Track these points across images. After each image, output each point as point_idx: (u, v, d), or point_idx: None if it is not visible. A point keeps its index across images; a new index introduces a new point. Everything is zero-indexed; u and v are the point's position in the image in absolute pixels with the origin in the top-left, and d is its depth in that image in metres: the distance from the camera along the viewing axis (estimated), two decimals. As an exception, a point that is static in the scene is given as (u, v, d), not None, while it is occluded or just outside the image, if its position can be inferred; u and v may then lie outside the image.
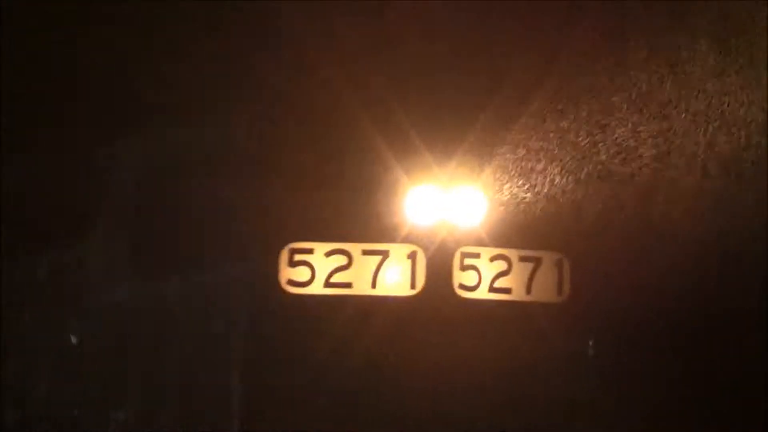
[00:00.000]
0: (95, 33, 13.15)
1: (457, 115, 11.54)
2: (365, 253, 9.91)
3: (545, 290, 10.16)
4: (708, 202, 12.89)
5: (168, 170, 10.78)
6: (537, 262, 10.18)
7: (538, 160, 11.40)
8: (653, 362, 11.47)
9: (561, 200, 11.35)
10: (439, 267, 10.09)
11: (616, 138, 12.40)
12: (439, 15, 12.39)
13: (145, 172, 11.40)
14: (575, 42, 12.18)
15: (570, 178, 11.50)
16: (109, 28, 13.16)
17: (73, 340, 11.00)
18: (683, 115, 12.63)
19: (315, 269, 9.77)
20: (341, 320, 10.04)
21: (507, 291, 10.00)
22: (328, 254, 9.80)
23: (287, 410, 10.39)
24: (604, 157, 11.49)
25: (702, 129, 12.47)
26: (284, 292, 9.83)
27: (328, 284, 9.79)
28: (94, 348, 11.01)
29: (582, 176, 11.73)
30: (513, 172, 11.35)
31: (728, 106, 12.48)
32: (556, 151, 11.66)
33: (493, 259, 10.05)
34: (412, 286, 9.91)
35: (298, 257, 9.80)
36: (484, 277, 10.04)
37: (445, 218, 10.12)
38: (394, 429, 10.38)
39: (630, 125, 12.14)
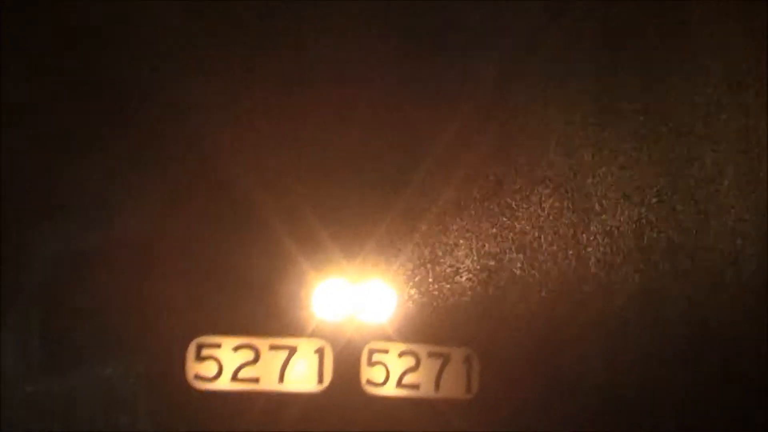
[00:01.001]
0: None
1: (365, 209, 11.38)
2: (272, 347, 9.76)
3: (454, 386, 10.04)
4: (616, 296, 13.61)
5: (74, 261, 10.71)
6: (446, 357, 10.07)
7: (446, 256, 11.09)
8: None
9: (470, 296, 11.07)
10: (347, 362, 9.95)
11: (522, 234, 12.71)
12: (346, 99, 12.59)
13: (52, 262, 11.40)
14: (482, 136, 12.45)
15: (477, 274, 11.26)
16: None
17: None
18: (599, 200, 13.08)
19: (222, 364, 9.65)
20: (248, 416, 9.81)
21: (415, 387, 9.89)
22: (236, 349, 9.68)
23: None
24: (510, 254, 11.69)
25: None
26: (191, 387, 9.68)
27: (235, 379, 9.65)
28: None
29: (489, 272, 11.67)
30: (421, 267, 11.01)
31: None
32: (463, 248, 11.55)
33: (401, 354, 9.94)
34: (320, 381, 9.77)
35: (205, 352, 9.71)
36: (392, 373, 9.93)
37: (353, 313, 9.98)
38: None
39: (537, 222, 12.48)
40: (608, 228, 11.66)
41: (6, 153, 12.38)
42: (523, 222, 11.17)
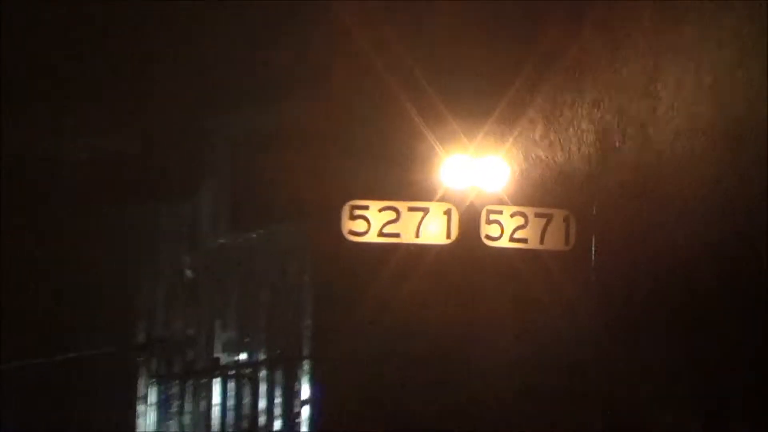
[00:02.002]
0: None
1: (485, 99, 12.48)
2: (410, 209, 11.55)
3: (555, 241, 11.68)
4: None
5: (256, 144, 12.99)
6: (549, 217, 11.69)
7: (554, 134, 12.60)
8: (644, 303, 12.41)
9: (570, 168, 12.50)
10: (469, 221, 11.65)
11: (620, 116, 12.83)
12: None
13: (239, 143, 13.70)
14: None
15: (578, 149, 12.48)
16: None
17: (189, 274, 13.40)
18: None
19: (370, 222, 11.47)
20: (391, 263, 11.89)
21: (524, 240, 11.59)
22: (381, 210, 11.49)
23: (350, 336, 12.45)
24: (611, 133, 13.30)
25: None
26: (346, 240, 11.59)
27: (380, 234, 11.49)
28: (200, 281, 13.37)
29: (588, 148, 12.56)
30: (531, 144, 12.71)
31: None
32: (567, 127, 12.69)
33: (513, 215, 11.61)
34: (448, 237, 11.55)
35: (356, 212, 11.52)
36: (506, 229, 11.62)
37: (474, 182, 11.76)
38: (434, 346, 12.15)
39: (635, 104, 12.70)
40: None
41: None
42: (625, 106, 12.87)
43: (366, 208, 11.71)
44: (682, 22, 13.04)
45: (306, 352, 12.67)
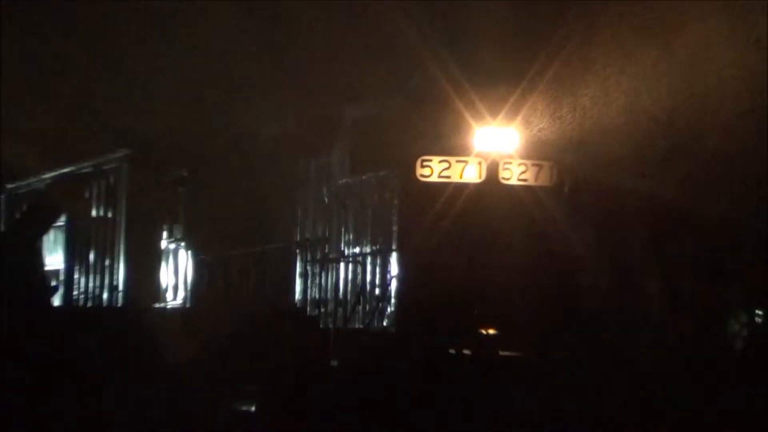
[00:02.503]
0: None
1: (509, 78, 14.10)
2: (457, 161, 13.80)
3: (543, 180, 13.96)
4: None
5: (373, 126, 14.72)
6: (540, 166, 13.93)
7: (549, 111, 14.30)
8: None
9: (557, 135, 14.29)
10: (492, 168, 13.78)
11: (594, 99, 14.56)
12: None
13: (362, 123, 15.08)
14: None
15: (563, 122, 14.40)
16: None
17: (325, 200, 15.23)
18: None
19: (433, 169, 13.76)
20: (446, 194, 13.77)
21: (524, 180, 13.90)
22: (439, 162, 13.73)
23: (422, 233, 13.76)
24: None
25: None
26: (418, 180, 13.81)
27: (439, 176, 13.76)
28: (332, 205, 15.23)
29: (569, 123, 14.49)
30: (534, 119, 14.20)
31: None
32: (558, 107, 14.42)
33: (518, 165, 13.87)
34: (479, 177, 13.78)
35: (425, 163, 13.77)
36: (514, 174, 13.91)
37: (496, 145, 13.84)
38: (475, 243, 13.77)
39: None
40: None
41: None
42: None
43: (430, 160, 13.91)
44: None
45: (394, 246, 14.10)
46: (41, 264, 17.73)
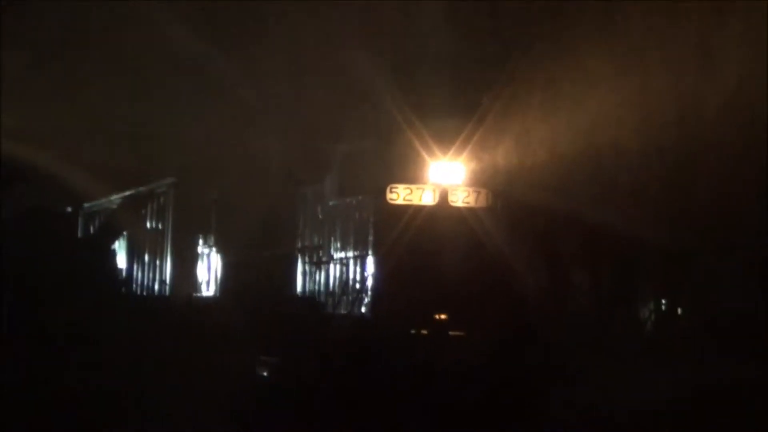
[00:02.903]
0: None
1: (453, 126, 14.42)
2: (417, 188, 14.45)
3: (482, 202, 14.60)
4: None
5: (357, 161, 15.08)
6: (479, 192, 14.58)
7: (488, 147, 14.73)
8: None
9: (493, 167, 14.85)
10: (443, 194, 14.42)
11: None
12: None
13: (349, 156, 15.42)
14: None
15: (500, 149, 14.85)
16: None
17: (319, 217, 15.52)
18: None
19: (399, 194, 14.39)
20: (409, 213, 14.33)
21: (468, 203, 14.55)
22: (404, 188, 14.38)
23: (392, 239, 14.06)
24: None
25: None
26: (388, 202, 14.36)
27: (404, 200, 14.40)
28: (325, 221, 15.62)
29: (509, 153, 14.95)
30: (473, 148, 14.60)
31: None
32: (496, 143, 14.84)
33: (463, 191, 14.54)
34: (434, 201, 14.45)
35: (393, 190, 14.37)
36: (460, 198, 14.55)
37: (446, 175, 14.47)
38: (433, 247, 14.09)
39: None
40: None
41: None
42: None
43: (397, 187, 14.50)
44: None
45: (370, 252, 14.50)
46: (114, 264, 19.28)
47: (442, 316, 14.27)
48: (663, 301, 16.39)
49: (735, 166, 14.70)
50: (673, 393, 13.06)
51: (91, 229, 21.53)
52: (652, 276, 16.34)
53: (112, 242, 19.18)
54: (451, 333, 14.13)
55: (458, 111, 15.00)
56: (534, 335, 14.19)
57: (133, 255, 20.45)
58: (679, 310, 15.91)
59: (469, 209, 14.64)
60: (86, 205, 21.88)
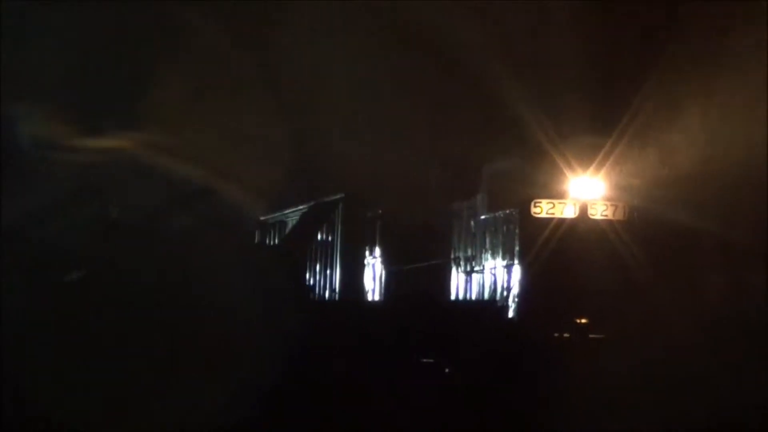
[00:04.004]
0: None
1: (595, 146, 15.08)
2: (559, 203, 15.35)
3: (618, 215, 15.46)
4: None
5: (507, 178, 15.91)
6: (616, 206, 15.44)
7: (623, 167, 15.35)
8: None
9: (627, 183, 15.50)
10: (583, 208, 15.35)
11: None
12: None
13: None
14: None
15: (638, 166, 15.38)
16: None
17: (472, 230, 16.81)
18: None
19: (543, 208, 15.29)
20: (552, 226, 15.28)
21: (606, 215, 15.44)
22: (547, 203, 15.31)
23: (538, 248, 14.88)
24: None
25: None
26: (532, 216, 15.40)
27: (547, 213, 15.33)
28: (477, 235, 16.50)
29: (646, 169, 15.44)
30: (611, 164, 15.22)
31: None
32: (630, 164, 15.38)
33: (601, 205, 15.43)
34: (574, 214, 15.37)
35: (537, 204, 15.32)
36: (598, 211, 15.45)
37: (585, 191, 15.34)
38: (575, 256, 14.93)
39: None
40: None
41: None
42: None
43: (540, 202, 15.39)
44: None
45: (517, 261, 15.34)
46: (302, 272, 19.69)
47: (583, 320, 14.93)
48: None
49: None
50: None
51: (268, 239, 22.17)
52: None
53: (298, 252, 19.75)
54: (591, 336, 14.80)
55: (598, 128, 15.71)
56: (668, 341, 14.48)
57: (307, 264, 20.92)
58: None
59: (608, 222, 15.42)
60: (261, 218, 22.56)
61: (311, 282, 20.81)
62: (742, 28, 16.25)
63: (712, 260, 15.88)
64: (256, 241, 21.63)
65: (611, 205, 15.49)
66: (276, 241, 21.74)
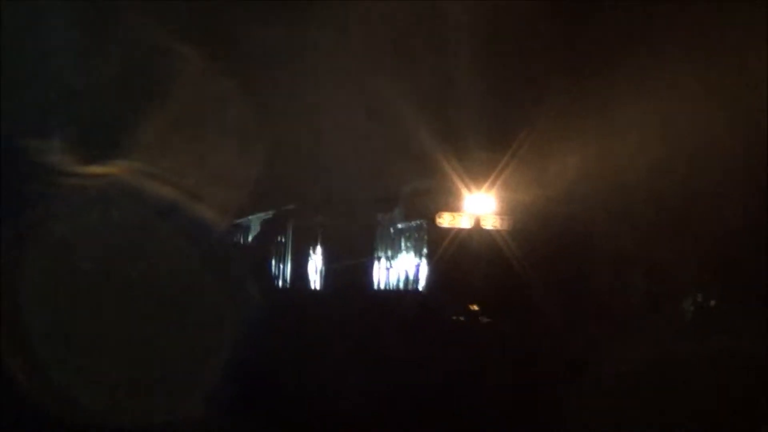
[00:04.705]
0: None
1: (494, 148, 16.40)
2: (458, 215, 17.77)
3: (502, 225, 17.90)
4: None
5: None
6: (503, 218, 17.83)
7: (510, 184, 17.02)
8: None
9: (514, 197, 17.24)
10: (477, 220, 17.73)
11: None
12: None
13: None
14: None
15: (520, 186, 16.99)
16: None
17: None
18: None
19: (445, 219, 17.66)
20: (453, 233, 17.56)
21: (495, 225, 17.91)
22: (449, 215, 17.77)
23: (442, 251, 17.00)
24: None
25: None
26: (437, 226, 17.84)
27: (449, 224, 17.83)
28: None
29: (527, 187, 17.05)
30: (500, 185, 17.01)
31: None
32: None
33: (492, 217, 17.93)
34: (470, 225, 17.90)
35: (443, 215, 17.68)
36: (489, 222, 17.91)
37: (479, 205, 17.56)
38: (471, 258, 16.97)
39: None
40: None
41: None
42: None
43: (442, 215, 18.08)
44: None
45: (425, 261, 17.70)
46: (269, 264, 21.80)
47: (475, 307, 17.30)
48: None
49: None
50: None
51: (241, 239, 24.25)
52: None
53: (265, 250, 22.15)
54: (481, 319, 17.11)
55: (495, 151, 17.62)
56: (547, 328, 15.97)
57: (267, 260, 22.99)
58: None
59: (497, 231, 17.90)
60: (236, 221, 23.70)
61: (271, 273, 22.98)
62: (630, 45, 17.37)
63: (586, 262, 17.93)
64: (231, 240, 23.26)
65: (499, 218, 18.15)
66: (245, 240, 24.11)
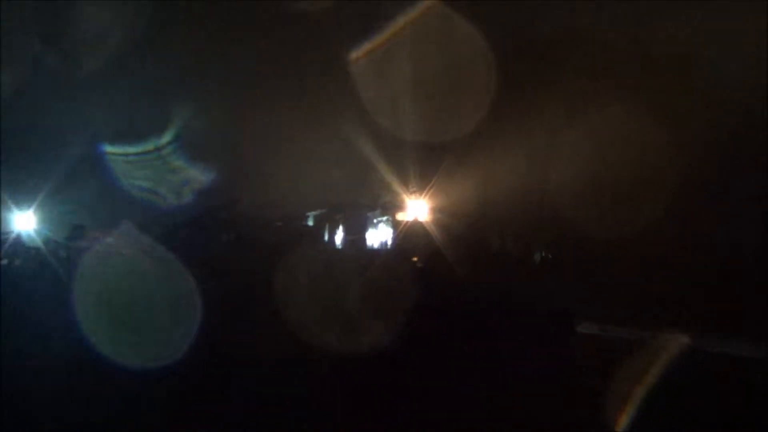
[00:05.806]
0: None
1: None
2: (402, 213, 23.26)
3: (431, 220, 22.59)
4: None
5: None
6: (432, 215, 22.49)
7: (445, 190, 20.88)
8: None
9: (441, 201, 21.10)
10: (415, 216, 23.58)
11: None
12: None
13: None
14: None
15: (446, 193, 20.99)
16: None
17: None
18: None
19: (400, 216, 25.23)
20: (401, 224, 22.95)
21: (426, 221, 23.11)
22: (400, 214, 24.55)
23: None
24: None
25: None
26: (398, 219, 24.51)
27: (399, 219, 23.84)
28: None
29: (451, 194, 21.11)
30: (432, 192, 21.04)
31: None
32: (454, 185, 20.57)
33: (425, 214, 23.23)
34: (411, 218, 23.68)
35: (397, 213, 23.12)
36: (422, 217, 23.41)
37: (416, 208, 23.11)
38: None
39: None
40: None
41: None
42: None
43: (399, 213, 23.63)
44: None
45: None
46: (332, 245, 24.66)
47: (415, 259, 24.34)
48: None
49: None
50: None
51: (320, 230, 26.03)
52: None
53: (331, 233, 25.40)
54: (418, 265, 23.19)
55: (426, 162, 21.76)
56: (456, 273, 21.29)
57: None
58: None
59: (427, 223, 24.33)
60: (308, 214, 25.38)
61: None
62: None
63: (482, 238, 23.05)
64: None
65: (430, 213, 24.68)
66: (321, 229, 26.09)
